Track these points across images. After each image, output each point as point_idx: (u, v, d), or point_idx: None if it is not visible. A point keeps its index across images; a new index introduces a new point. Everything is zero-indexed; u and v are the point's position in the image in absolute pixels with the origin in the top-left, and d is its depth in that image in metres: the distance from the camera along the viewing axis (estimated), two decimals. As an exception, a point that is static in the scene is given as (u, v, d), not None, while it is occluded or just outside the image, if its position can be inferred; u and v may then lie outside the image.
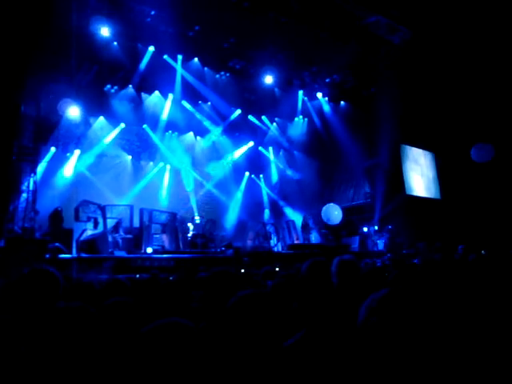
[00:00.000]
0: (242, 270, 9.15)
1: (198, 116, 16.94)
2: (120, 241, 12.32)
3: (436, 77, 15.65)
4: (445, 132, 16.77)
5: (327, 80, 17.37)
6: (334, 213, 16.31)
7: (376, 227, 16.66)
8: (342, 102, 18.46)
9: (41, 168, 13.07)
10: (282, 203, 19.19)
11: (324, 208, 16.39)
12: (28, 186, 11.66)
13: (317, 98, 18.28)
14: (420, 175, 18.60)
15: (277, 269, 6.22)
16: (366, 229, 16.80)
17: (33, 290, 2.12)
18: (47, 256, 9.27)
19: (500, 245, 11.73)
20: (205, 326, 2.09)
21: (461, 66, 15.19)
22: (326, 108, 18.41)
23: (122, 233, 12.60)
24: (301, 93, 17.83)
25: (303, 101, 18.17)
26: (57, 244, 9.95)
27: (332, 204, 16.73)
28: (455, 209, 16.43)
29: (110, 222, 12.85)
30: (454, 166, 17.21)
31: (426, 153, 19.30)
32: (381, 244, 16.18)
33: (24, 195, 11.55)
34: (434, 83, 15.81)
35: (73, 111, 14.13)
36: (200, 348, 1.41)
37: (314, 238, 16.99)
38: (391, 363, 1.21)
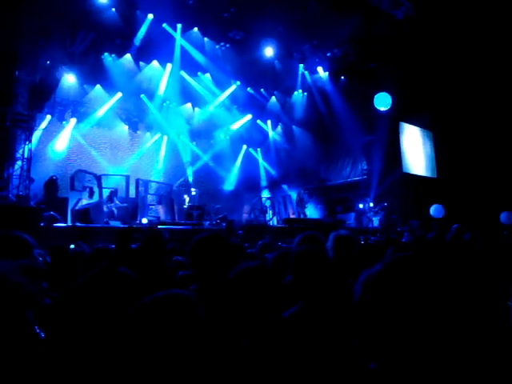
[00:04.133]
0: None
1: (197, 87, 16.73)
2: (115, 210, 12.32)
3: (437, 55, 15.44)
4: (444, 111, 16.66)
5: (328, 54, 17.13)
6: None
7: (372, 204, 16.71)
8: (342, 77, 18.26)
9: (36, 136, 12.91)
10: (278, 177, 19.17)
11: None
12: (23, 154, 11.54)
13: (317, 72, 18.06)
14: (417, 153, 18.56)
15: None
16: (361, 205, 16.85)
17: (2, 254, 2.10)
18: (42, 224, 9.26)
19: (494, 225, 11.80)
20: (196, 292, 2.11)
21: (464, 44, 14.98)
22: (326, 82, 18.22)
23: (117, 202, 12.58)
24: (301, 66, 17.61)
25: (303, 75, 17.96)
26: (52, 213, 9.93)
27: None
28: (451, 188, 16.46)
29: (106, 192, 12.82)
30: (451, 146, 17.16)
31: (425, 131, 19.24)
32: (376, 221, 16.26)
33: (19, 163, 11.44)
34: (436, 61, 15.62)
35: (69, 78, 13.93)
36: (200, 320, 1.40)
37: (309, 213, 17.04)
38: (388, 339, 1.22)
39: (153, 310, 1.35)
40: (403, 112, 17.10)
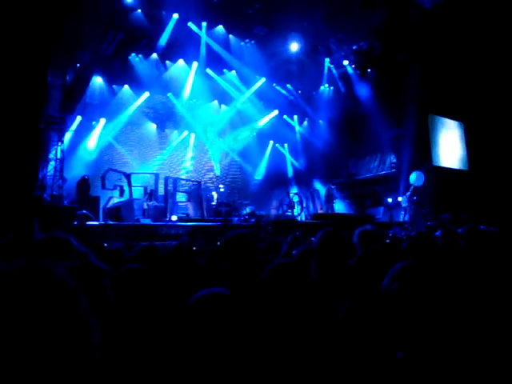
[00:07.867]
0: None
1: (223, 84, 16.83)
2: (153, 208, 12.62)
3: (468, 44, 15.04)
4: (475, 102, 16.22)
5: (354, 47, 16.92)
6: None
7: (401, 198, 16.46)
8: (368, 70, 18.02)
9: (67, 137, 13.24)
10: (305, 173, 19.11)
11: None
12: (56, 155, 11.87)
13: (343, 66, 17.90)
14: (448, 146, 18.17)
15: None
16: (390, 200, 16.62)
17: (48, 254, 2.18)
18: (75, 223, 9.50)
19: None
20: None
21: (495, 33, 14.55)
22: (353, 76, 18.03)
23: (154, 201, 12.90)
24: (327, 60, 17.48)
25: (329, 69, 17.83)
26: (84, 211, 10.18)
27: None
28: (483, 181, 16.04)
29: (136, 190, 13.09)
30: (483, 138, 16.71)
31: (456, 123, 18.79)
32: (406, 215, 16.01)
33: (52, 163, 11.77)
34: (466, 51, 15.22)
35: (98, 80, 14.22)
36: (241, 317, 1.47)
37: (337, 207, 16.93)
38: (410, 325, 1.27)
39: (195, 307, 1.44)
40: (432, 103, 16.74)
